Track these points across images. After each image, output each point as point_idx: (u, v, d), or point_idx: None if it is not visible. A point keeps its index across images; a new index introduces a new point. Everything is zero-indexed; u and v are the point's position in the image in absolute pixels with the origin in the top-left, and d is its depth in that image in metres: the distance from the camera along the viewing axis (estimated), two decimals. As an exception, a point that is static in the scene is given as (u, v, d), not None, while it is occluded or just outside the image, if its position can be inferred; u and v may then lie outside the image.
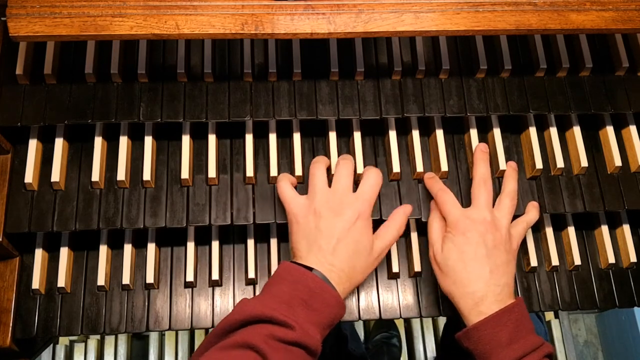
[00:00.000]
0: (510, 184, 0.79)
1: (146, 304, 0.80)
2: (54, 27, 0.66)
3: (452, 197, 0.77)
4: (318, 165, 0.77)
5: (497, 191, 0.81)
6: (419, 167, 0.81)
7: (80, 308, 0.79)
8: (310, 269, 0.69)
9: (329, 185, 0.75)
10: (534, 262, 0.83)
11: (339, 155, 0.82)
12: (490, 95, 0.81)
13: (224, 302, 0.81)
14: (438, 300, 0.82)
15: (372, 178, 0.75)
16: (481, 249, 0.72)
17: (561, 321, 1.88)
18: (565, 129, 0.86)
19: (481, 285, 0.71)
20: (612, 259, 0.84)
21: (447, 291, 0.74)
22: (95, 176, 0.77)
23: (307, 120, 0.82)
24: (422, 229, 0.83)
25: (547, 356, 0.69)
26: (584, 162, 0.82)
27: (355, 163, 0.80)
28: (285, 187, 0.76)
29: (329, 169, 0.79)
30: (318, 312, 0.67)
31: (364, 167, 0.81)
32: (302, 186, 0.80)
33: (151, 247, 0.81)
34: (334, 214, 0.72)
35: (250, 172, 0.79)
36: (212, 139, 0.81)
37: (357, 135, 0.82)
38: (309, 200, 0.74)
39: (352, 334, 1.31)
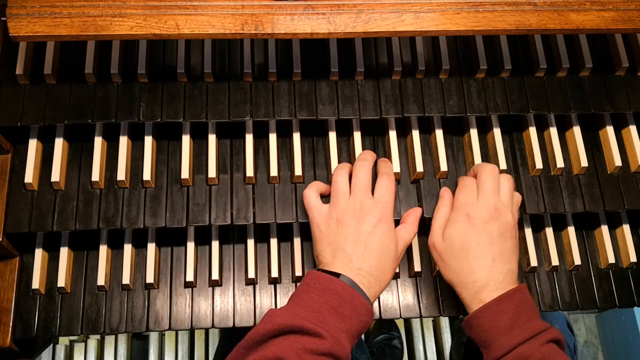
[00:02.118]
0: (496, 169, 0.77)
1: (146, 304, 0.80)
2: (54, 27, 0.66)
3: (472, 185, 0.76)
4: (341, 172, 0.77)
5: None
6: (419, 167, 0.81)
7: (80, 308, 0.79)
8: (338, 275, 0.69)
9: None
10: (534, 262, 0.83)
11: (338, 155, 0.82)
12: (490, 95, 0.81)
13: (224, 302, 0.81)
14: (438, 300, 0.82)
15: (386, 180, 0.76)
16: (485, 236, 0.71)
17: (572, 327, 1.88)
18: (565, 129, 0.86)
19: (482, 274, 0.70)
20: (612, 259, 0.84)
21: (448, 279, 0.73)
22: (95, 176, 0.77)
23: (307, 120, 0.82)
24: (422, 229, 0.83)
25: (553, 341, 0.67)
26: (584, 162, 0.82)
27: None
28: (311, 195, 0.76)
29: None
30: (348, 320, 0.66)
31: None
32: (303, 186, 0.80)
33: (151, 247, 0.81)
34: (356, 221, 0.72)
35: (250, 172, 0.79)
36: (212, 139, 0.81)
37: (357, 135, 0.82)
38: (331, 208, 0.74)
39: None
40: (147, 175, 0.78)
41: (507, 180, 0.77)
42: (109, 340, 1.69)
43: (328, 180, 0.81)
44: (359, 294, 0.68)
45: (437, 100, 0.80)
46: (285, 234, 0.84)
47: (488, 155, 0.84)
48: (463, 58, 0.83)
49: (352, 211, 0.73)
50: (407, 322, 1.75)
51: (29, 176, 0.77)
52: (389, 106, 0.79)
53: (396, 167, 0.81)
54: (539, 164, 0.82)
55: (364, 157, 0.78)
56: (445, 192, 0.79)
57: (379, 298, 0.81)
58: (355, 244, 0.71)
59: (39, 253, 0.79)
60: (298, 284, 0.77)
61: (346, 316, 0.66)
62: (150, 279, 0.80)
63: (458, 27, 0.69)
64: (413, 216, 0.78)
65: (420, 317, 0.82)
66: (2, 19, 0.73)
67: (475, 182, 0.77)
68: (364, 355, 1.28)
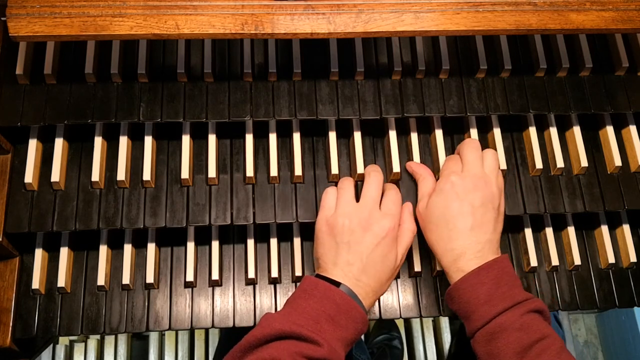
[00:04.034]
0: (476, 142, 0.79)
1: (146, 304, 0.80)
2: (54, 27, 0.66)
3: (457, 158, 0.78)
4: (347, 182, 0.77)
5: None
6: (419, 167, 0.81)
7: (80, 308, 0.79)
8: (338, 284, 0.69)
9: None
10: (534, 262, 0.83)
11: (338, 155, 0.82)
12: (490, 95, 0.81)
13: (224, 302, 0.81)
14: (438, 300, 0.82)
15: (393, 194, 0.77)
16: (467, 205, 0.72)
17: (561, 321, 1.87)
18: (565, 129, 0.86)
19: (460, 242, 0.71)
20: (612, 259, 0.84)
21: (431, 247, 0.74)
22: (95, 176, 0.77)
23: (307, 120, 0.82)
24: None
25: (535, 311, 0.67)
26: (584, 162, 0.82)
27: (355, 163, 0.81)
28: (331, 194, 0.76)
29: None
30: (344, 329, 0.67)
31: (364, 167, 0.81)
32: (302, 185, 0.80)
33: (151, 247, 0.81)
34: (362, 229, 0.72)
35: (250, 172, 0.79)
36: (212, 139, 0.81)
37: (357, 135, 0.82)
38: (337, 214, 0.74)
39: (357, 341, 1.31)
40: (147, 175, 0.78)
41: (491, 154, 0.77)
42: (109, 340, 1.69)
43: (328, 179, 0.81)
44: (356, 304, 0.68)
45: (437, 100, 0.80)
46: (285, 234, 0.84)
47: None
48: (463, 58, 0.83)
49: (360, 220, 0.73)
50: (407, 322, 1.75)
51: (29, 176, 0.77)
52: (389, 106, 0.79)
53: (396, 167, 0.81)
54: (539, 164, 0.82)
55: (376, 169, 0.79)
56: (423, 169, 0.79)
57: (379, 298, 0.81)
58: (358, 255, 0.71)
59: (39, 253, 0.79)
60: (298, 284, 0.77)
61: (342, 325, 0.66)
62: (150, 279, 0.80)
63: (458, 27, 0.69)
64: (407, 213, 0.78)
65: (420, 317, 0.82)
66: (2, 19, 0.73)
67: (458, 157, 0.78)
68: (364, 356, 1.28)
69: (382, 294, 0.75)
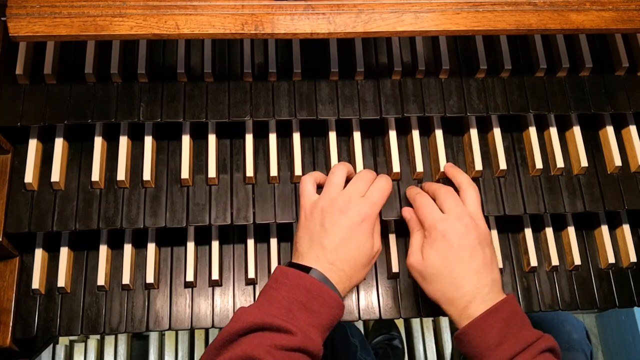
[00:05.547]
0: (462, 177, 0.77)
1: (146, 304, 0.80)
2: (54, 27, 0.66)
3: (430, 201, 0.75)
4: (340, 167, 0.76)
5: (497, 191, 0.81)
6: (419, 167, 0.81)
7: (80, 308, 0.79)
8: (308, 269, 0.68)
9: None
10: (534, 262, 0.83)
11: (338, 155, 0.82)
12: (490, 95, 0.81)
13: (224, 302, 0.81)
14: (438, 300, 0.82)
15: (382, 183, 0.75)
16: (464, 251, 0.70)
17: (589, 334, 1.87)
18: (565, 129, 0.86)
19: (469, 288, 0.69)
20: (612, 259, 0.84)
21: (433, 298, 0.72)
22: (95, 176, 0.77)
23: (307, 120, 0.82)
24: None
25: (548, 350, 0.66)
26: (584, 162, 0.82)
27: (355, 163, 0.81)
28: (308, 182, 0.75)
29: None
30: (318, 314, 0.66)
31: (364, 167, 0.81)
32: (302, 186, 0.80)
33: (151, 247, 0.81)
34: (339, 212, 0.71)
35: (250, 172, 0.79)
36: (212, 139, 0.81)
37: (357, 135, 0.82)
38: (320, 197, 0.74)
39: (361, 342, 1.29)
40: (147, 175, 0.78)
41: (472, 190, 0.75)
42: (109, 340, 1.69)
43: (328, 180, 0.81)
44: (329, 289, 0.67)
45: (437, 100, 0.80)
46: (285, 234, 0.84)
47: (488, 155, 0.84)
48: (463, 58, 0.83)
49: (339, 204, 0.72)
50: (407, 322, 1.75)
51: (29, 176, 0.77)
52: (389, 106, 0.79)
53: (396, 167, 0.81)
54: (539, 164, 0.82)
55: (369, 170, 0.78)
56: (409, 212, 0.77)
57: (378, 298, 0.81)
58: (332, 238, 0.70)
59: (39, 253, 0.79)
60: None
61: (316, 311, 0.66)
62: (150, 279, 0.80)
63: (458, 27, 0.69)
64: None
65: (420, 317, 0.82)
66: (2, 19, 0.73)
67: (429, 197, 0.75)
68: (369, 357, 1.28)
69: (358, 282, 0.73)
